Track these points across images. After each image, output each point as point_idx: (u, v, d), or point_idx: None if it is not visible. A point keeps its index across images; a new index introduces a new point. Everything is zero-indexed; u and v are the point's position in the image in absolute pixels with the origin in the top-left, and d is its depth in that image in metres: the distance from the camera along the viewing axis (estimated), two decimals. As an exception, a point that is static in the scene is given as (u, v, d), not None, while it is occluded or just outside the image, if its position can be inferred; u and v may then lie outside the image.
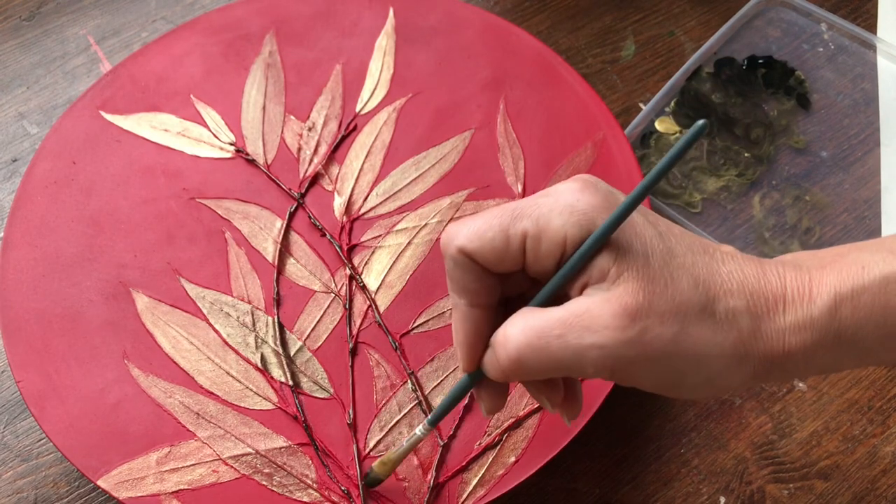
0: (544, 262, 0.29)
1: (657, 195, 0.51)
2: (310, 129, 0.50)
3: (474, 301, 0.30)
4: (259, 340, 0.43)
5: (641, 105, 0.55)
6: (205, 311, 0.44)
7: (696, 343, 0.27)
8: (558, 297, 0.29)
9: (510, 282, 0.31)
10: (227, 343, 0.43)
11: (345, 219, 0.47)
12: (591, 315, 0.27)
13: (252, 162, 0.48)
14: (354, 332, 0.44)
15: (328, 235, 0.46)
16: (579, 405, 0.32)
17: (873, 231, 0.50)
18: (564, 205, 0.28)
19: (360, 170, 0.49)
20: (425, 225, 0.47)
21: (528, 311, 0.29)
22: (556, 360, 0.27)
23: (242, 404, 0.42)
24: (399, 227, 0.47)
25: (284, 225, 0.47)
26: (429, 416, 0.34)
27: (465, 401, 0.42)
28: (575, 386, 0.32)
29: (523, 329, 0.28)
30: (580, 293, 0.28)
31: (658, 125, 0.53)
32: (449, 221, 0.47)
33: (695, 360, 0.27)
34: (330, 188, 0.48)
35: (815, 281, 0.28)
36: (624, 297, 0.27)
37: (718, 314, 0.27)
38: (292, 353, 0.43)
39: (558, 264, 0.28)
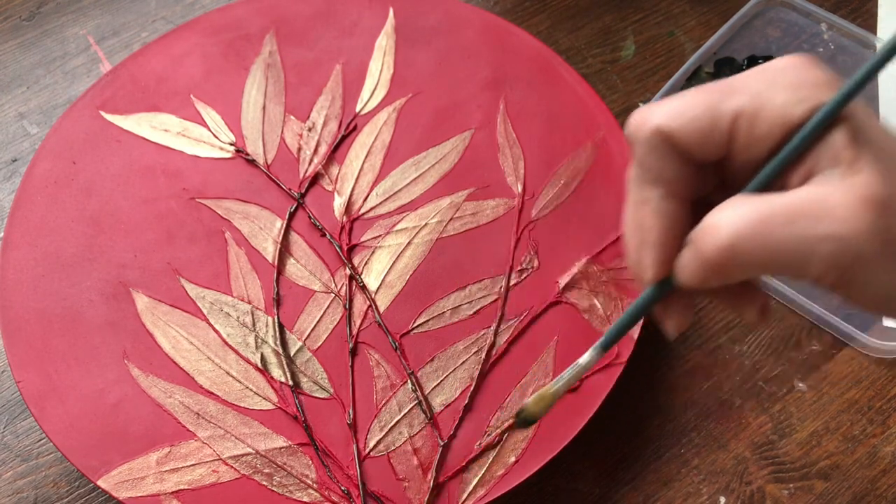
0: (759, 147, 0.24)
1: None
2: (310, 129, 0.50)
3: (671, 191, 0.26)
4: (259, 340, 0.43)
5: (641, 105, 0.55)
6: (205, 311, 0.44)
7: None
8: (775, 188, 0.24)
9: (702, 178, 0.26)
10: (227, 343, 0.43)
11: (345, 219, 0.47)
12: (828, 202, 0.23)
13: (252, 162, 0.48)
14: (354, 332, 0.44)
15: (328, 235, 0.46)
16: (690, 315, 0.28)
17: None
18: (788, 80, 0.24)
19: (360, 170, 0.49)
20: (425, 225, 0.47)
21: (742, 199, 0.24)
22: (779, 253, 0.23)
23: (242, 404, 0.42)
24: (399, 227, 0.47)
25: (284, 225, 0.47)
26: (602, 340, 0.29)
27: (466, 400, 0.42)
28: (689, 299, 0.28)
29: (740, 214, 0.23)
30: (804, 182, 0.24)
31: (658, 125, 0.53)
32: (449, 221, 0.47)
33: None
34: (330, 188, 0.48)
35: None
36: (868, 183, 0.22)
37: None
38: (292, 353, 0.43)
39: (775, 150, 0.24)
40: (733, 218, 0.23)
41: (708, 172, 0.26)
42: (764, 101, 0.24)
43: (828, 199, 0.23)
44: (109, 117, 0.50)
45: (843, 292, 0.24)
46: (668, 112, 0.25)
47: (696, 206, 0.27)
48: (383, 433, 0.41)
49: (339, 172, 0.49)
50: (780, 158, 0.24)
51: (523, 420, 0.31)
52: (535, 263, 0.46)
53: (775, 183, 0.25)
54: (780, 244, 0.23)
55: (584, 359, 0.30)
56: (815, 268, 0.23)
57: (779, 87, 0.24)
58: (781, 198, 0.23)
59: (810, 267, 0.23)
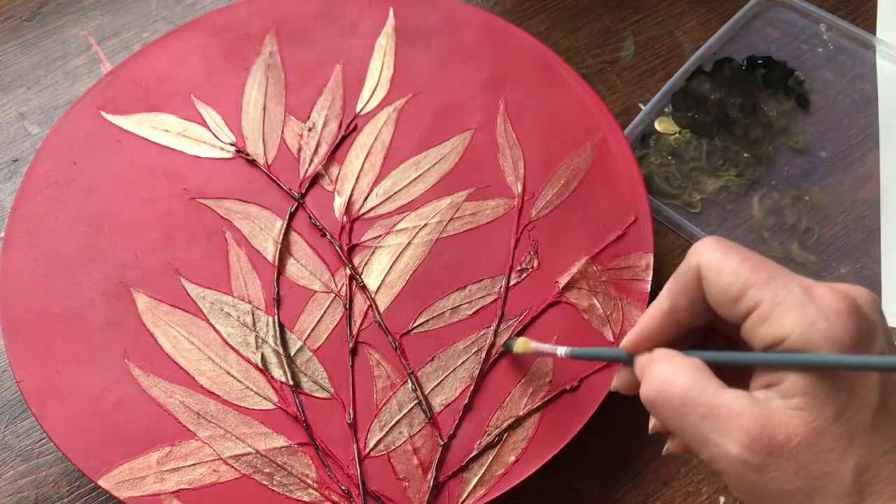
0: (755, 340, 0.27)
1: (656, 195, 0.51)
2: (310, 130, 0.50)
3: (675, 312, 0.30)
4: (259, 340, 0.43)
5: (641, 105, 0.55)
6: (205, 311, 0.44)
7: None
8: (743, 369, 0.28)
9: (706, 317, 0.30)
10: (227, 343, 0.43)
11: (345, 219, 0.47)
12: (738, 420, 0.26)
13: (252, 162, 0.49)
14: (354, 331, 0.44)
15: (328, 235, 0.46)
16: (687, 449, 0.32)
17: (872, 231, 0.50)
18: (811, 312, 0.26)
19: (361, 170, 0.49)
20: (425, 225, 0.47)
21: (695, 369, 0.28)
22: (682, 430, 0.27)
23: (243, 404, 0.42)
24: (399, 227, 0.47)
25: (285, 225, 0.47)
26: (575, 350, 0.36)
27: (466, 400, 0.42)
28: None
29: (677, 384, 0.28)
30: (760, 386, 0.27)
31: (658, 125, 0.54)
32: (449, 221, 0.47)
33: None
34: (330, 188, 0.48)
35: None
36: (781, 426, 0.26)
37: None
38: (292, 353, 0.43)
39: (763, 349, 0.27)
40: (668, 381, 0.28)
41: (715, 316, 0.30)
42: (780, 312, 0.26)
43: (740, 417, 0.26)
44: (110, 117, 0.50)
45: (731, 490, 0.28)
46: (715, 262, 0.28)
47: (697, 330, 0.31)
48: (383, 433, 0.41)
49: (339, 172, 0.49)
50: (751, 359, 0.27)
51: (507, 347, 0.43)
52: (535, 263, 0.46)
53: (749, 368, 0.28)
54: (687, 426, 0.27)
55: (560, 351, 0.37)
56: (702, 455, 0.27)
57: (796, 312, 0.26)
58: (713, 392, 0.27)
59: (700, 453, 0.27)
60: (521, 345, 0.40)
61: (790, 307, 0.26)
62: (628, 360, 0.32)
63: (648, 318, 0.31)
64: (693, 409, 0.27)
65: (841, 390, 0.25)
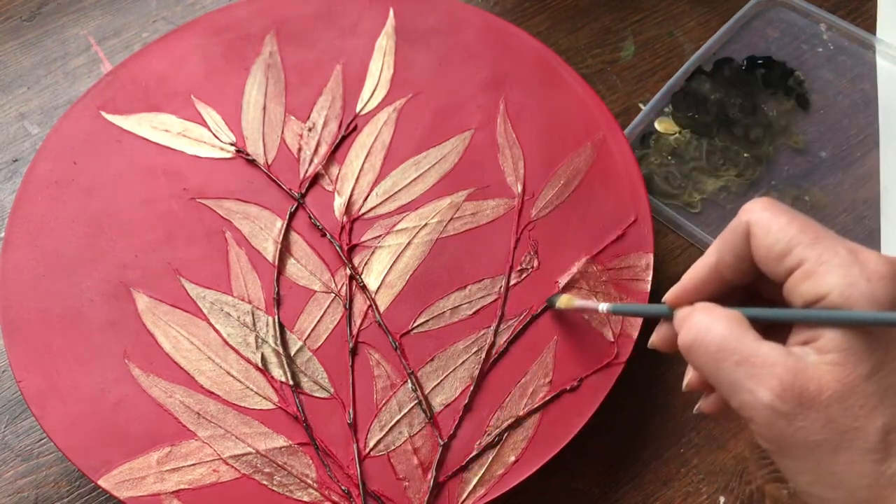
0: (796, 298, 0.28)
1: (656, 195, 0.51)
2: (310, 130, 0.50)
3: (720, 267, 0.30)
4: (259, 340, 0.43)
5: (641, 105, 0.55)
6: (205, 311, 0.44)
7: (837, 466, 0.26)
8: (783, 326, 0.29)
9: (749, 276, 0.31)
10: (227, 343, 0.43)
11: (345, 219, 0.47)
12: (772, 369, 0.27)
13: (252, 162, 0.49)
14: (354, 331, 0.44)
15: (328, 235, 0.46)
16: (724, 409, 0.32)
17: (872, 231, 0.50)
18: (854, 273, 0.27)
19: (361, 170, 0.49)
20: (425, 225, 0.47)
21: (734, 320, 0.28)
22: (716, 376, 0.28)
23: (243, 404, 0.42)
24: (399, 227, 0.47)
25: (285, 225, 0.47)
26: (616, 305, 0.38)
27: (466, 400, 0.42)
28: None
29: (715, 331, 0.28)
30: (797, 342, 0.28)
31: (658, 125, 0.54)
32: (449, 221, 0.47)
33: (822, 476, 0.27)
34: (330, 188, 0.48)
35: None
36: (813, 379, 0.26)
37: (885, 465, 0.26)
38: (292, 353, 0.43)
39: (803, 306, 0.28)
40: (705, 330, 0.29)
41: (759, 276, 0.30)
42: (823, 271, 0.27)
43: (774, 366, 0.27)
44: (110, 117, 0.50)
45: (759, 442, 0.29)
46: (766, 218, 0.29)
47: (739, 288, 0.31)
48: (383, 433, 0.41)
49: (339, 172, 0.49)
50: (789, 315, 0.28)
51: (550, 302, 0.44)
52: (535, 263, 0.46)
53: (787, 324, 0.28)
54: (721, 372, 0.28)
55: (603, 307, 0.38)
56: (733, 402, 0.28)
57: (839, 271, 0.27)
58: (749, 342, 0.28)
59: (731, 400, 0.28)
60: (565, 301, 0.42)
61: (834, 266, 0.27)
62: (668, 315, 0.32)
63: (693, 273, 0.31)
64: (729, 355, 0.27)
65: (876, 350, 0.26)
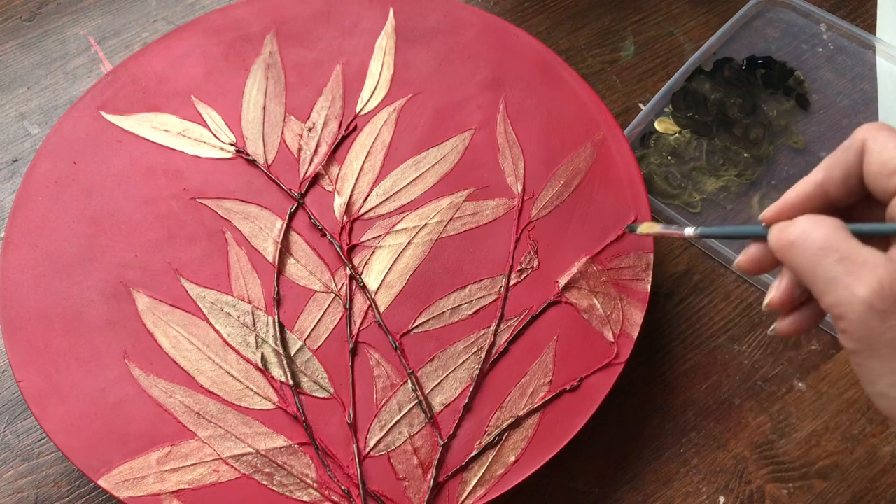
0: None
1: (656, 195, 0.51)
2: (310, 130, 0.50)
3: (827, 183, 0.31)
4: (259, 340, 0.43)
5: (641, 105, 0.55)
6: (205, 311, 0.44)
7: None
8: (877, 244, 0.29)
9: (855, 195, 0.31)
10: (227, 343, 0.43)
11: (345, 219, 0.47)
12: (872, 268, 0.27)
13: (252, 162, 0.49)
14: (354, 331, 0.44)
15: (328, 235, 0.46)
16: (799, 329, 0.33)
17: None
18: None
19: (360, 170, 0.49)
20: (425, 225, 0.47)
21: (838, 225, 0.29)
22: (814, 272, 0.29)
23: (243, 404, 0.42)
24: (399, 227, 0.47)
25: (285, 225, 0.47)
26: (704, 229, 0.37)
27: (465, 400, 0.42)
28: (816, 316, 0.33)
29: (819, 230, 0.29)
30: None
31: (657, 125, 0.54)
32: (449, 221, 0.47)
33: None
34: (330, 188, 0.48)
35: None
36: None
37: None
38: (292, 353, 0.43)
39: None
40: (810, 228, 0.29)
41: (865, 197, 0.31)
42: None
43: (875, 266, 0.27)
44: (110, 117, 0.50)
45: (840, 336, 0.29)
46: (882, 137, 0.29)
47: (840, 211, 0.32)
48: (383, 433, 0.41)
49: (339, 172, 0.49)
50: (891, 227, 0.29)
51: (630, 228, 0.44)
52: (535, 263, 0.46)
53: (884, 240, 0.29)
54: (820, 268, 0.28)
55: (688, 231, 0.38)
56: (827, 299, 0.28)
57: None
58: (852, 243, 0.28)
59: (826, 297, 0.29)
60: (647, 227, 0.42)
61: None
62: (762, 236, 0.32)
63: (796, 190, 0.32)
64: (831, 252, 0.28)
65: None
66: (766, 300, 0.33)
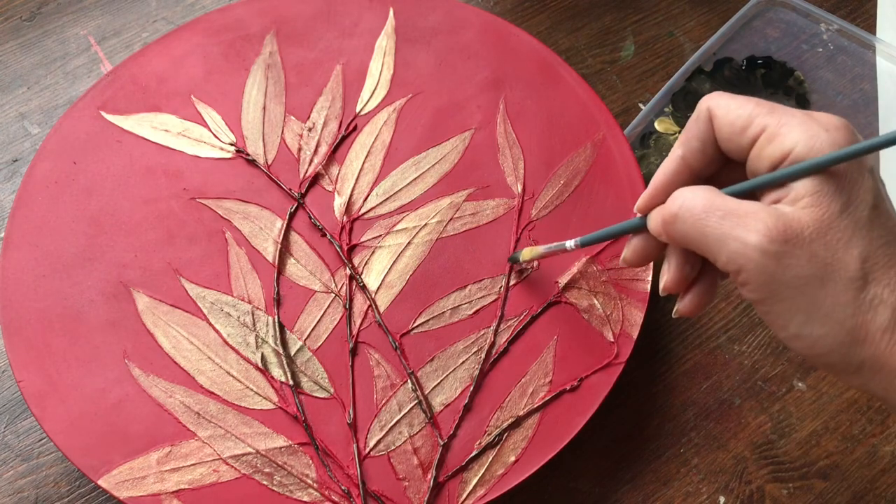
0: (762, 162, 0.30)
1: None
2: (310, 130, 0.50)
3: (687, 156, 0.32)
4: (259, 340, 0.43)
5: (641, 105, 0.55)
6: (205, 311, 0.44)
7: (825, 299, 0.28)
8: (754, 195, 0.30)
9: (717, 163, 0.33)
10: (227, 343, 0.43)
11: (345, 219, 0.47)
12: (756, 216, 0.29)
13: (252, 162, 0.49)
14: (354, 331, 0.44)
15: (328, 235, 0.46)
16: (699, 305, 0.34)
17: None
18: (813, 127, 0.29)
19: (360, 170, 0.49)
20: (425, 225, 0.47)
21: (713, 189, 0.30)
22: (703, 234, 0.30)
23: (243, 404, 0.42)
24: (399, 227, 0.47)
25: (285, 225, 0.47)
26: (583, 237, 0.38)
27: (466, 400, 0.42)
28: (710, 289, 0.34)
29: (698, 196, 0.30)
30: (768, 203, 0.29)
31: (657, 125, 0.54)
32: (449, 221, 0.47)
33: (813, 312, 0.29)
34: (330, 188, 0.48)
35: None
36: (794, 220, 0.28)
37: (865, 292, 0.28)
38: (292, 353, 0.43)
39: (770, 169, 0.30)
40: (689, 197, 0.30)
41: (725, 163, 0.33)
42: (785, 131, 0.29)
43: (758, 214, 0.29)
44: (110, 117, 0.50)
45: (742, 290, 0.30)
46: (724, 101, 0.31)
47: (706, 181, 0.33)
48: (383, 433, 0.41)
49: (339, 172, 0.49)
50: (759, 179, 0.30)
51: (514, 259, 0.44)
52: (535, 263, 0.46)
53: (758, 193, 0.30)
54: (708, 228, 0.29)
55: (569, 244, 0.38)
56: (722, 257, 0.29)
57: (800, 128, 0.29)
58: (732, 200, 0.29)
59: (720, 255, 0.29)
60: (528, 252, 0.42)
61: (794, 125, 0.29)
62: (641, 226, 0.34)
63: (660, 172, 0.33)
64: (714, 212, 0.29)
65: (842, 189, 0.28)
66: (661, 285, 0.34)
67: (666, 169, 0.33)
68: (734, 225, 0.29)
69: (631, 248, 0.35)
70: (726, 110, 0.31)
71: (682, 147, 0.32)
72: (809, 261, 0.28)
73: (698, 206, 0.30)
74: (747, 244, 0.28)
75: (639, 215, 0.34)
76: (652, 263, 0.45)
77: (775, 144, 0.29)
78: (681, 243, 0.31)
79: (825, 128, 0.29)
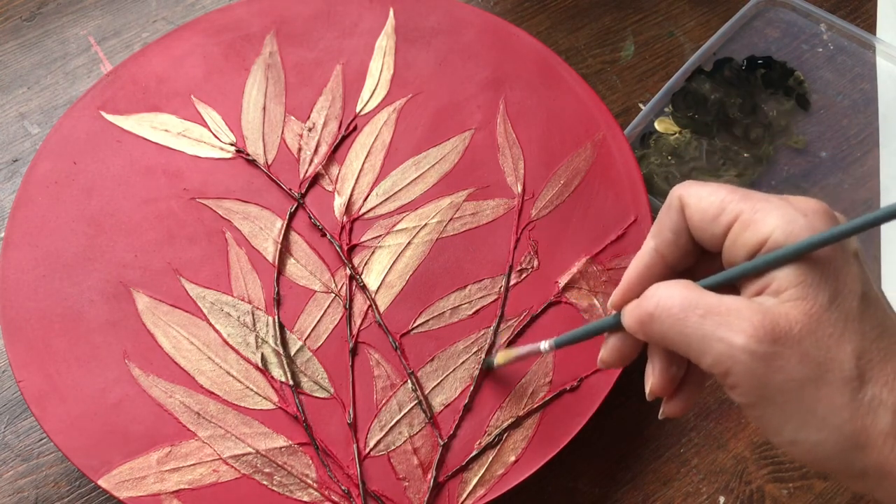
0: (738, 251, 0.28)
1: (656, 195, 0.51)
2: (310, 130, 0.50)
3: (661, 247, 0.30)
4: (259, 340, 0.43)
5: (641, 105, 0.55)
6: (205, 311, 0.44)
7: (820, 402, 0.26)
8: (728, 290, 0.28)
9: (691, 254, 0.31)
10: (227, 343, 0.43)
11: (345, 219, 0.47)
12: (739, 314, 0.26)
13: (252, 162, 0.49)
14: (354, 331, 0.44)
15: (328, 235, 0.46)
16: (687, 406, 0.32)
17: (872, 232, 0.50)
18: (790, 211, 0.27)
19: (360, 170, 0.49)
20: (425, 225, 0.47)
21: (689, 284, 0.29)
22: (684, 335, 0.27)
23: (243, 404, 0.42)
24: (399, 227, 0.47)
25: (285, 225, 0.47)
26: (558, 338, 0.36)
27: (465, 400, 0.42)
28: (698, 388, 0.32)
29: (675, 293, 0.28)
30: (750, 296, 0.28)
31: (657, 125, 0.54)
32: (449, 221, 0.47)
33: (808, 416, 0.26)
34: (330, 188, 0.48)
35: None
36: (781, 316, 0.26)
37: (862, 393, 0.26)
38: (293, 353, 0.43)
39: (747, 258, 0.28)
40: (665, 295, 0.28)
41: (701, 255, 0.31)
42: (760, 216, 0.27)
43: (741, 311, 0.26)
44: (110, 118, 0.50)
45: (731, 394, 0.28)
46: (695, 189, 0.29)
47: (682, 274, 0.31)
48: (383, 433, 0.41)
49: (339, 172, 0.49)
50: (738, 268, 0.28)
51: (487, 364, 0.42)
52: (535, 263, 0.46)
53: (736, 284, 0.28)
54: (688, 329, 0.27)
55: (543, 345, 0.37)
56: (707, 359, 0.27)
57: (776, 213, 0.27)
58: (711, 296, 0.27)
59: (704, 358, 0.27)
60: (503, 356, 0.40)
61: (770, 210, 0.27)
62: (616, 324, 0.31)
63: (633, 267, 0.31)
64: (693, 311, 0.27)
65: (829, 278, 0.26)
66: (647, 390, 0.32)
67: (639, 262, 0.31)
68: (717, 324, 0.27)
69: (608, 348, 0.33)
70: (697, 198, 0.29)
71: (655, 239, 0.31)
72: (801, 361, 0.26)
73: (675, 304, 0.28)
74: (733, 346, 0.26)
75: (613, 312, 0.32)
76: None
77: (751, 231, 0.27)
78: (660, 344, 0.29)
79: (803, 213, 0.27)
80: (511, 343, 0.44)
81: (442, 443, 0.41)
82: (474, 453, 0.41)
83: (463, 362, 0.43)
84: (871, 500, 0.43)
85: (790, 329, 0.26)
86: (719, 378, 0.27)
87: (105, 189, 0.47)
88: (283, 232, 0.46)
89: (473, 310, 0.45)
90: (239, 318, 0.44)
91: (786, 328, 0.26)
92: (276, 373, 0.43)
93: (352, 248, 0.46)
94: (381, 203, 0.48)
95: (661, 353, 0.31)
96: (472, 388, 0.42)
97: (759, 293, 0.27)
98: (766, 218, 0.27)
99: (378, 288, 0.45)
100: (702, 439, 0.45)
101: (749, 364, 0.26)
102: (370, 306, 0.45)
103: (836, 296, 0.26)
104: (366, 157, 0.49)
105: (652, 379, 0.31)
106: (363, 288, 0.45)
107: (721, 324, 0.27)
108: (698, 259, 0.31)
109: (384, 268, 0.46)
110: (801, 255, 0.26)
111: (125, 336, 0.43)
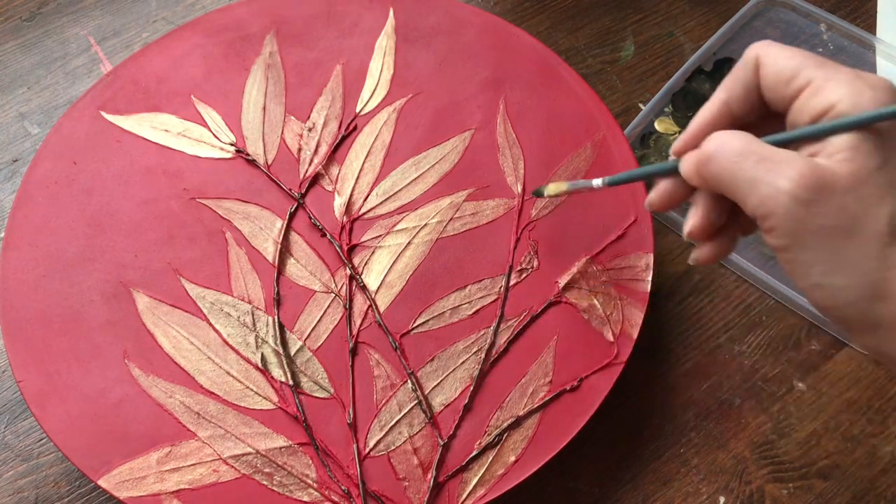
0: (803, 115, 0.30)
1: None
2: (310, 130, 0.50)
3: (730, 101, 0.32)
4: (259, 340, 0.43)
5: (641, 105, 0.55)
6: (205, 311, 0.44)
7: (850, 251, 0.28)
8: (793, 146, 0.30)
9: (760, 111, 0.32)
10: (227, 343, 0.43)
11: (345, 219, 0.47)
12: (790, 164, 0.28)
13: (252, 162, 0.49)
14: (354, 331, 0.44)
15: (328, 235, 0.46)
16: (718, 255, 0.34)
17: None
18: (859, 84, 0.29)
19: (360, 170, 0.49)
20: (425, 225, 0.47)
21: (750, 136, 0.30)
22: (735, 178, 0.29)
23: (243, 404, 0.42)
24: (399, 227, 0.47)
25: (285, 225, 0.47)
26: (612, 177, 0.37)
27: (466, 400, 0.42)
28: (731, 242, 0.34)
29: (735, 139, 0.30)
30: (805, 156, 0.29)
31: (657, 125, 0.54)
32: (449, 221, 0.47)
33: (836, 262, 0.28)
34: (330, 188, 0.48)
35: None
36: (828, 171, 0.28)
37: (891, 249, 0.28)
38: (292, 353, 0.43)
39: (812, 122, 0.29)
40: (726, 139, 0.30)
41: (764, 115, 0.32)
42: (828, 85, 0.29)
43: (792, 161, 0.28)
44: (110, 118, 0.50)
45: (765, 235, 0.30)
46: (773, 50, 0.31)
47: (748, 128, 0.32)
48: (383, 433, 0.41)
49: (339, 172, 0.49)
50: (799, 131, 0.30)
51: (538, 192, 0.42)
52: (535, 263, 0.46)
53: (796, 145, 0.30)
54: (741, 171, 0.29)
55: (596, 182, 0.37)
56: (752, 200, 0.29)
57: (844, 83, 0.29)
58: (767, 147, 0.29)
59: (750, 199, 0.29)
60: (554, 187, 0.40)
61: (841, 81, 0.29)
62: (673, 168, 0.33)
63: (701, 116, 0.33)
64: (749, 156, 0.29)
65: (883, 146, 0.28)
66: (686, 229, 0.33)
67: (706, 112, 0.33)
68: (768, 170, 0.29)
69: (658, 190, 0.35)
70: (774, 59, 0.31)
71: (726, 92, 0.32)
72: (839, 212, 0.28)
73: (735, 148, 0.30)
74: (779, 189, 0.28)
75: (673, 158, 0.34)
76: (652, 263, 0.45)
77: (819, 98, 0.29)
78: (711, 186, 0.31)
79: (871, 86, 0.29)
80: (511, 343, 0.44)
81: (442, 443, 0.41)
82: (474, 453, 0.41)
83: (463, 362, 0.43)
84: (872, 498, 0.43)
85: (834, 182, 0.28)
86: (759, 221, 0.29)
87: (105, 189, 0.47)
88: (283, 232, 0.46)
89: (473, 310, 0.45)
90: (239, 318, 0.44)
91: (830, 181, 0.28)
92: (276, 373, 0.43)
93: (352, 248, 0.46)
94: (381, 203, 0.48)
95: (706, 198, 0.33)
96: (472, 388, 0.42)
97: (815, 155, 0.29)
98: (835, 87, 0.29)
99: (378, 288, 0.45)
100: (702, 439, 0.45)
101: (789, 208, 0.28)
102: (370, 306, 0.45)
103: (885, 162, 0.28)
104: (366, 157, 0.49)
105: (693, 220, 0.33)
106: (363, 288, 0.45)
107: (771, 170, 0.29)
108: (761, 118, 0.32)
109: (384, 268, 0.46)
110: (861, 125, 0.28)
111: (125, 336, 0.43)
